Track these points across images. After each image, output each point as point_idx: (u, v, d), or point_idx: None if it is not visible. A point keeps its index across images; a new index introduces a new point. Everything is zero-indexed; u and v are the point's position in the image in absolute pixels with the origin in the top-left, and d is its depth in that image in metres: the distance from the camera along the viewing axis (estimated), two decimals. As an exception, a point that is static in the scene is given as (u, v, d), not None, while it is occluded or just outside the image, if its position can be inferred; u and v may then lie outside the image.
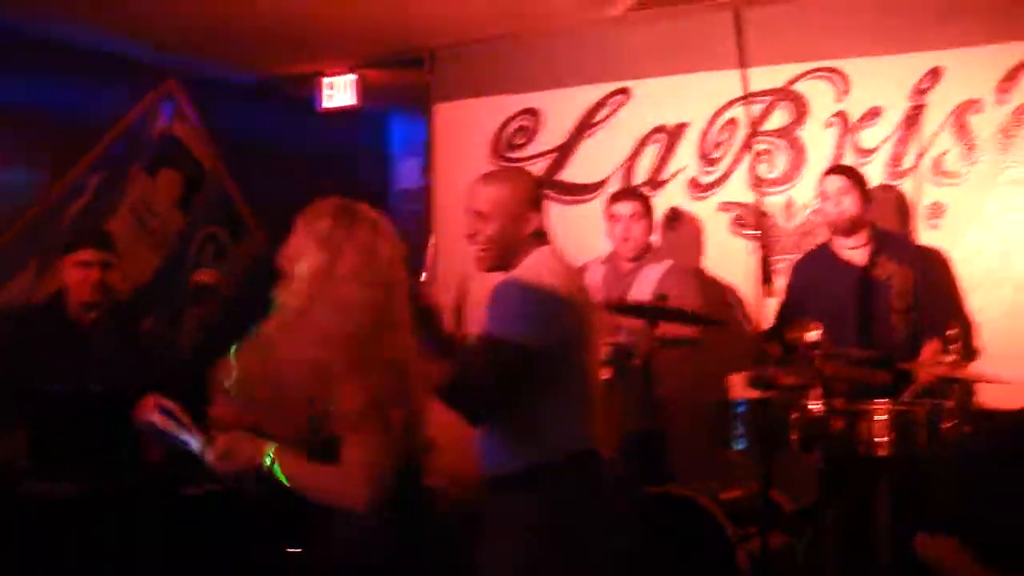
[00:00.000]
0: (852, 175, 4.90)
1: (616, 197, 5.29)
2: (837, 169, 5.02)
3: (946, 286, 4.91)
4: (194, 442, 2.74)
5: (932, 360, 4.42)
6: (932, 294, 4.76)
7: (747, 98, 5.54)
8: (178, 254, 6.80)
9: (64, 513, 3.84)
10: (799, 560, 4.39)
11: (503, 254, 3.40)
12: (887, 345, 4.65)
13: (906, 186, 5.27)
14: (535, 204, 3.44)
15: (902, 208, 5.27)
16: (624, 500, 4.22)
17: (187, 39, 6.31)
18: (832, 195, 4.83)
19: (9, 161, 6.04)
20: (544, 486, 3.24)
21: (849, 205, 4.80)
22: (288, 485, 2.64)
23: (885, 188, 5.27)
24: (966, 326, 4.78)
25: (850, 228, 4.82)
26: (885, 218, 5.11)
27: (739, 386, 4.48)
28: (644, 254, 5.13)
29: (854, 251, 4.84)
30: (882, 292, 4.76)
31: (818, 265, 4.95)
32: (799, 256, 5.18)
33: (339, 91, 7.07)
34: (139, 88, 6.68)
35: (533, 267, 3.34)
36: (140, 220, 6.64)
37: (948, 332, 4.24)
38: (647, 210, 5.19)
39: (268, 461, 2.63)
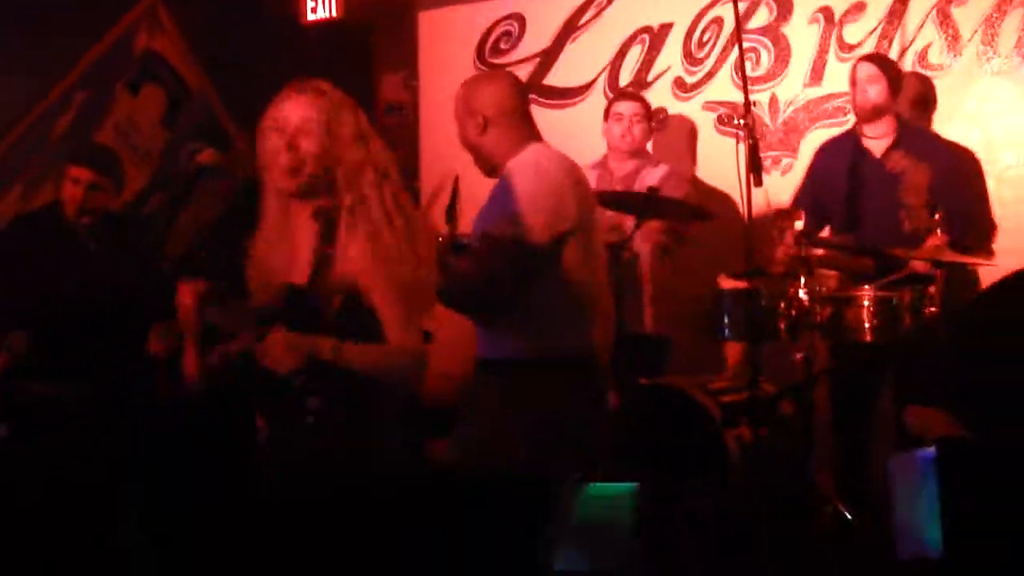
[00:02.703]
0: (883, 63, 4.87)
1: (620, 96, 5.34)
2: (868, 56, 5.00)
3: (968, 186, 4.86)
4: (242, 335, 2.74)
5: (928, 252, 4.44)
6: (950, 193, 4.70)
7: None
8: (163, 171, 6.78)
9: (61, 412, 3.89)
10: (787, 445, 4.45)
11: (497, 154, 3.45)
12: (889, 239, 4.63)
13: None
14: (524, 102, 3.49)
15: (926, 97, 5.25)
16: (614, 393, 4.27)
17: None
18: (860, 82, 4.82)
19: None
20: (529, 381, 3.30)
21: (875, 94, 4.77)
22: (354, 370, 2.66)
23: (909, 76, 5.20)
24: (985, 228, 4.81)
25: (872, 116, 4.81)
26: (905, 107, 5.09)
27: (728, 278, 4.52)
28: (639, 155, 5.14)
29: (874, 141, 4.83)
30: (891, 185, 4.75)
31: (838, 151, 4.95)
32: (788, 151, 5.24)
33: (322, 5, 7.03)
34: (121, 5, 6.64)
35: (528, 164, 3.38)
36: (125, 137, 6.62)
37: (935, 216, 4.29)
38: (648, 113, 5.21)
39: (332, 354, 2.64)
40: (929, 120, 5.19)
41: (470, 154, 3.55)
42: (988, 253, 4.74)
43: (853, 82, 4.87)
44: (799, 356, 4.32)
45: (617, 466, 4.36)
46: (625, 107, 5.17)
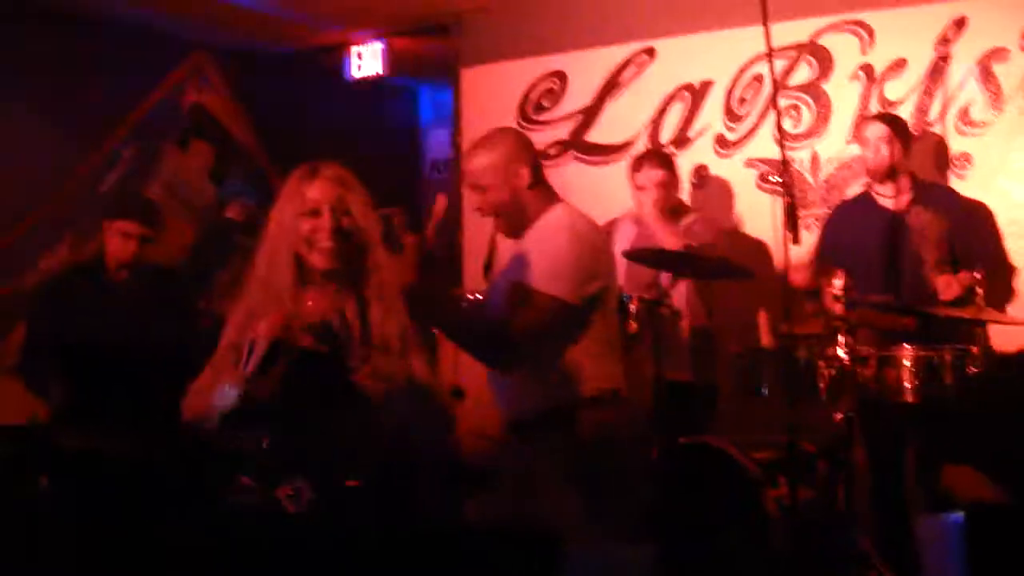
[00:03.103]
0: (893, 123, 4.88)
1: (640, 163, 5.17)
2: (879, 116, 5.01)
3: (986, 239, 4.86)
4: None
5: (944, 291, 4.47)
6: (970, 247, 4.71)
7: (771, 54, 5.52)
8: (211, 227, 6.87)
9: (94, 466, 3.92)
10: (828, 507, 4.39)
11: (513, 216, 3.46)
12: (916, 296, 4.63)
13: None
14: (524, 159, 3.48)
15: (941, 156, 5.25)
16: (652, 448, 4.25)
17: (215, 11, 6.38)
18: (872, 142, 4.82)
19: (43, 135, 6.12)
20: (568, 425, 3.29)
21: (888, 153, 4.78)
22: None
23: (924, 136, 5.23)
24: (1004, 272, 4.81)
25: (887, 175, 4.81)
26: (923, 167, 5.09)
27: (767, 335, 4.49)
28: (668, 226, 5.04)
29: (891, 199, 4.83)
30: (914, 242, 4.74)
31: (855, 212, 4.95)
32: (830, 209, 5.21)
33: (368, 60, 7.13)
34: (169, 61, 6.76)
35: (563, 224, 3.39)
36: (173, 192, 6.72)
37: (974, 274, 4.25)
38: (670, 177, 5.10)
39: None
40: (945, 180, 5.19)
41: (499, 212, 3.52)
42: (1010, 293, 4.82)
43: (864, 142, 4.87)
44: (839, 416, 4.27)
45: (654, 526, 4.35)
46: (646, 177, 5.06)
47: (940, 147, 5.26)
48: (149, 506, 3.87)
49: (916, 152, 5.00)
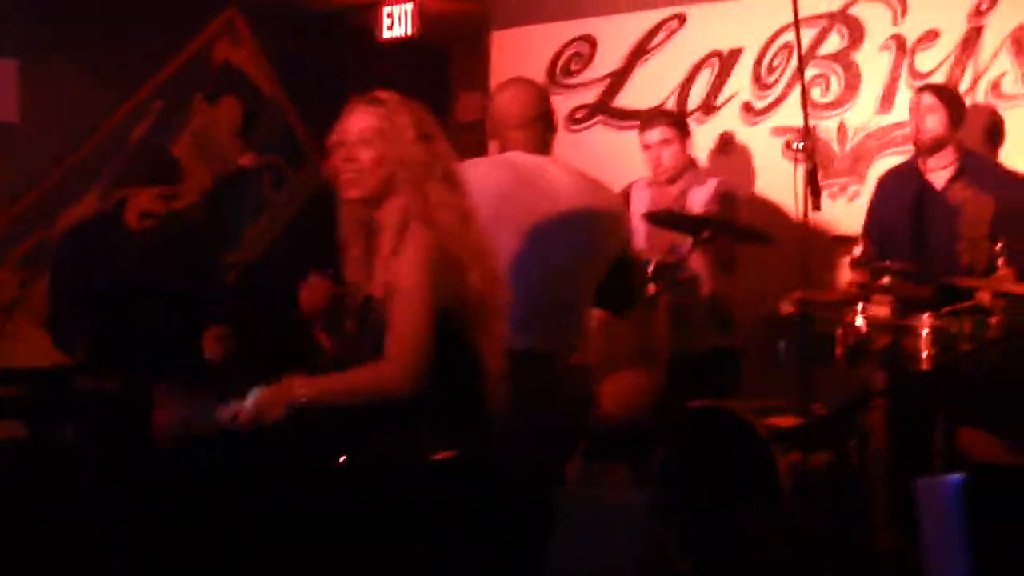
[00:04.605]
0: (943, 94, 4.81)
1: (645, 124, 5.19)
2: (928, 87, 4.94)
3: None
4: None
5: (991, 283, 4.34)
6: (1015, 224, 4.60)
7: (800, 23, 5.49)
8: (224, 176, 6.88)
9: (107, 407, 3.97)
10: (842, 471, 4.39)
11: None
12: (946, 270, 4.56)
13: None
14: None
15: (994, 129, 5.17)
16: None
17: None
18: (919, 112, 4.76)
19: (74, 84, 6.16)
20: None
21: (934, 124, 4.71)
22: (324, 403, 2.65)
23: (977, 108, 5.14)
24: None
25: (932, 147, 4.74)
26: (973, 138, 5.03)
27: (786, 301, 4.49)
28: (680, 176, 5.09)
29: (935, 172, 4.77)
30: (951, 218, 4.68)
31: (899, 182, 4.90)
32: (855, 177, 5.19)
33: (398, 22, 7.11)
34: (201, 16, 6.78)
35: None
36: (201, 147, 6.75)
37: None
38: (680, 133, 5.11)
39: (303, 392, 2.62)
40: (996, 153, 5.11)
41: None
42: None
43: (912, 112, 4.82)
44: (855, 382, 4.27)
45: (667, 488, 4.38)
46: (651, 136, 5.08)
47: (993, 119, 5.17)
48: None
49: (967, 124, 4.91)
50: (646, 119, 5.27)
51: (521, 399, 3.11)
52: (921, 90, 4.89)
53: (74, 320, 4.36)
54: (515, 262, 3.26)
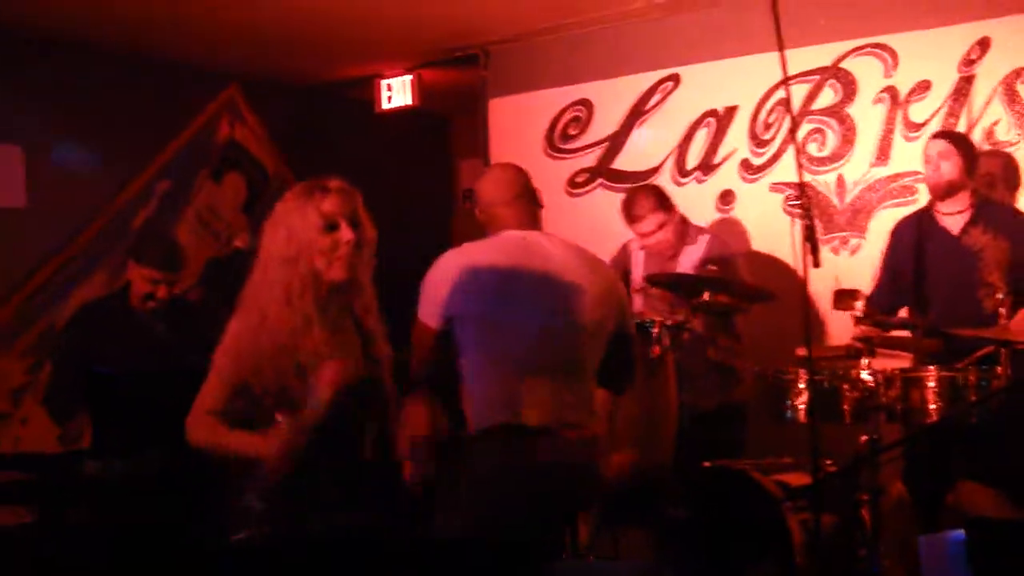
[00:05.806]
0: (956, 140, 4.80)
1: (632, 218, 5.03)
2: (941, 133, 4.95)
3: None
4: None
5: (994, 332, 4.28)
6: None
7: (792, 79, 5.53)
8: (216, 258, 6.90)
9: (115, 490, 3.96)
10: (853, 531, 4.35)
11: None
12: (971, 318, 4.52)
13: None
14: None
15: (1010, 174, 5.17)
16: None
17: (246, 45, 6.47)
18: (933, 158, 4.74)
19: (79, 170, 6.22)
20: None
21: (948, 170, 4.69)
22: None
23: (992, 154, 5.16)
24: None
25: (947, 193, 4.72)
26: (989, 184, 5.04)
27: (790, 357, 4.47)
28: (680, 251, 5.07)
29: (950, 217, 4.75)
30: (971, 263, 4.65)
31: (914, 229, 4.86)
32: (855, 232, 5.19)
33: (397, 92, 7.19)
34: (202, 95, 6.87)
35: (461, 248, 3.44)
36: (205, 224, 6.81)
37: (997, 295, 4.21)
38: (667, 213, 5.00)
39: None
40: (1014, 197, 5.12)
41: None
42: None
43: (926, 159, 4.80)
44: (863, 438, 4.24)
45: (680, 550, 4.34)
46: (644, 225, 4.98)
47: (1009, 164, 5.17)
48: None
49: (983, 168, 4.93)
50: (629, 211, 5.06)
51: (517, 472, 3.14)
52: (933, 136, 4.89)
53: (73, 395, 4.40)
54: (518, 337, 3.29)
